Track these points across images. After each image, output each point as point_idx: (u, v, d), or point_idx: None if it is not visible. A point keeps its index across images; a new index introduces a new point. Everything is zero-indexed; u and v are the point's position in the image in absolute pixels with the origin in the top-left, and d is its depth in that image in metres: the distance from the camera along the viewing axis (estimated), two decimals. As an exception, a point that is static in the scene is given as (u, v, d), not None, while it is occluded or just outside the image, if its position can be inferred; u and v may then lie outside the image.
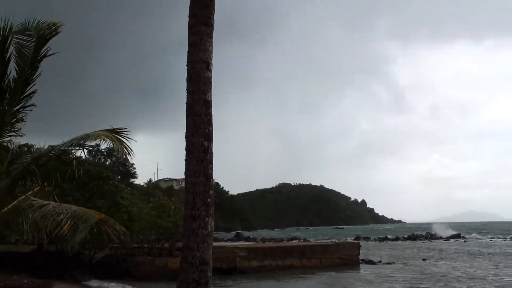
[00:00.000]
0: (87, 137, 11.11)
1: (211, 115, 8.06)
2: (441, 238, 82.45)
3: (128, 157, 11.33)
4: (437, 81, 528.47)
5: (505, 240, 75.34)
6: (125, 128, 11.10)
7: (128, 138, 10.98)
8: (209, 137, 7.98)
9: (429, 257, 44.39)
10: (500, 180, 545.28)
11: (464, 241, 75.81)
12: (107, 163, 75.69)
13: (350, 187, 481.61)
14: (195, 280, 7.63)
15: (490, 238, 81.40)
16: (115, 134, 10.95)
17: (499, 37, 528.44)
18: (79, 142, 11.21)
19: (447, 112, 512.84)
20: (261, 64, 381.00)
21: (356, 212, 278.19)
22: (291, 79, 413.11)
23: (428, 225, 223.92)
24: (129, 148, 10.98)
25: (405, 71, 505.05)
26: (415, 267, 36.10)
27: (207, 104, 8.04)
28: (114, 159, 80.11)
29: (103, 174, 32.43)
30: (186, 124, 8.01)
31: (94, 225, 10.97)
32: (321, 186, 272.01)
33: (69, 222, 10.56)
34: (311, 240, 72.85)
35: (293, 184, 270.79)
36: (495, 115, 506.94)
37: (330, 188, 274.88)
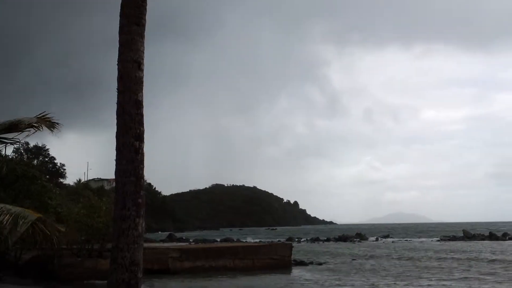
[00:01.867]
0: (9, 124, 10.63)
1: (142, 115, 7.98)
2: (371, 239, 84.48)
3: (54, 134, 10.87)
4: (371, 85, 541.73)
5: (431, 241, 77.94)
6: (53, 117, 10.75)
7: (57, 123, 10.63)
8: (140, 137, 7.90)
9: (359, 257, 45.39)
10: (428, 183, 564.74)
11: (393, 242, 78.02)
12: (34, 162, 73.38)
13: (283, 188, 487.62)
14: (125, 281, 7.54)
15: (418, 239, 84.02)
16: (43, 120, 10.57)
17: (428, 43, 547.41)
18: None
19: (379, 116, 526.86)
20: (196, 64, 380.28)
21: (289, 213, 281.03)
22: (225, 80, 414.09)
23: (359, 226, 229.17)
24: (58, 125, 10.59)
25: (339, 75, 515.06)
26: (345, 266, 36.82)
27: (138, 104, 7.96)
28: (41, 158, 77.80)
29: (30, 173, 31.34)
30: (117, 124, 7.90)
31: (30, 226, 10.56)
32: (254, 188, 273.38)
33: (10, 219, 10.07)
34: (244, 241, 73.12)
35: (226, 185, 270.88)
36: (424, 120, 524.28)
37: (263, 189, 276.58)
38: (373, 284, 26.54)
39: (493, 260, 40.03)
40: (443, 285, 26.10)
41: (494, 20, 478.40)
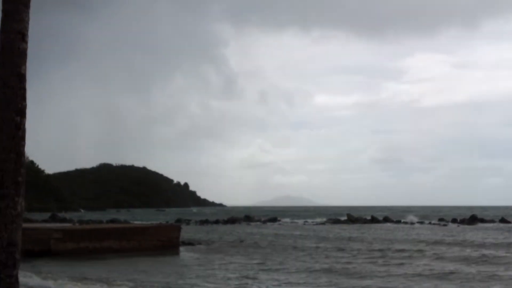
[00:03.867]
0: None
1: (25, 89, 7.61)
2: (259, 221, 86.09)
3: None
4: (267, 68, 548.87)
5: (316, 224, 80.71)
6: None
7: None
8: (22, 112, 7.53)
9: (246, 239, 46.18)
10: (315, 167, 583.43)
11: (279, 224, 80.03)
12: None
13: (174, 169, 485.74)
14: (2, 262, 7.19)
15: (303, 222, 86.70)
16: None
17: (325, 28, 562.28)
18: None
19: (274, 99, 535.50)
20: (87, 36, 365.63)
21: (179, 195, 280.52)
22: (120, 55, 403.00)
23: (247, 208, 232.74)
24: None
25: (237, 56, 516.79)
26: (232, 247, 37.33)
27: (21, 77, 7.57)
28: None
29: None
30: (-3, 98, 7.48)
31: None
32: (144, 168, 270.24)
33: None
34: (131, 222, 72.15)
35: (114, 165, 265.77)
36: (316, 105, 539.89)
37: (153, 170, 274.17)
38: (260, 263, 27.11)
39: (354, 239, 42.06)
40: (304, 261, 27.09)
41: (388, 9, 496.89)
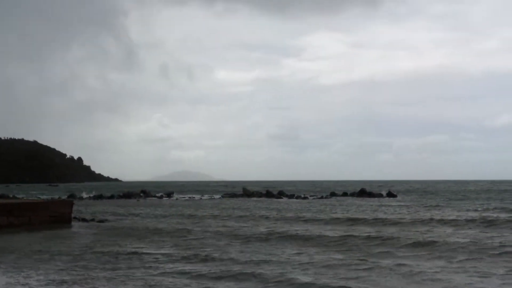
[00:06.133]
0: None
1: None
2: (155, 196, 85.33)
3: None
4: (169, 40, 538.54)
5: (213, 198, 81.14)
6: None
7: None
8: None
9: (139, 214, 45.54)
10: (213, 143, 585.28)
11: (176, 199, 79.73)
12: None
13: (67, 143, 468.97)
14: None
15: (200, 196, 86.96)
16: None
17: (229, 2, 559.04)
18: None
19: (174, 73, 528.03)
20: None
21: (72, 170, 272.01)
22: (13, 21, 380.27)
23: (144, 183, 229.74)
24: None
25: (137, 27, 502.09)
26: (125, 223, 36.68)
27: None
28: None
29: None
30: None
31: None
32: (35, 142, 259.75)
33: None
34: (21, 197, 69.12)
35: (3, 138, 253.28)
36: (216, 80, 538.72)
37: (45, 144, 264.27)
38: (150, 240, 26.82)
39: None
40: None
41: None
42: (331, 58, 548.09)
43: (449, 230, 29.93)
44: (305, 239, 26.14)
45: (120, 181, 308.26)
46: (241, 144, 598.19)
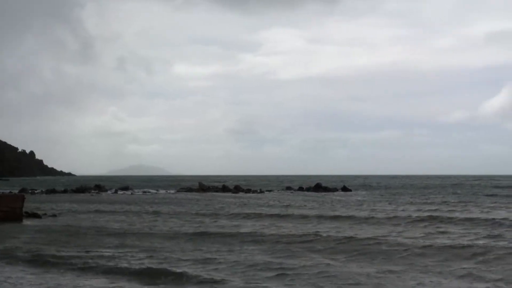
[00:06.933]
0: None
1: None
2: (110, 190, 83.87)
3: None
4: (127, 33, 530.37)
5: (168, 193, 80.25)
6: None
7: None
8: None
9: (95, 210, 44.47)
10: (170, 137, 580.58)
11: (132, 193, 78.43)
12: None
13: (19, 137, 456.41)
14: None
15: (156, 191, 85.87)
16: None
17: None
18: None
19: (132, 67, 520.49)
20: None
21: (24, 164, 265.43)
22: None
23: (98, 177, 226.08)
24: None
25: (93, 19, 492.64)
26: (79, 218, 35.75)
27: None
28: None
29: None
30: None
31: None
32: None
33: None
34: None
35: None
36: (174, 74, 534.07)
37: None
38: (109, 236, 26.12)
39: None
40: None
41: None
42: (289, 53, 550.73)
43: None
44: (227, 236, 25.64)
45: (74, 175, 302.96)
46: (199, 138, 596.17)
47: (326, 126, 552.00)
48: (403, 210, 41.21)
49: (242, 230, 27.48)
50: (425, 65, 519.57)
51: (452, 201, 53.77)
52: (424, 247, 20.71)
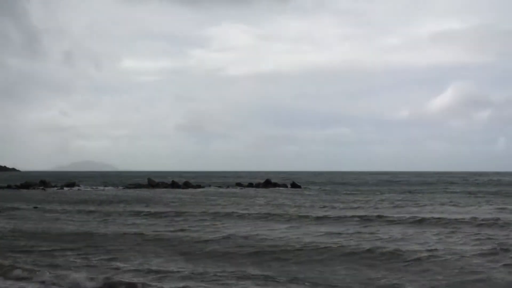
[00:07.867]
0: None
1: None
2: (55, 186, 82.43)
3: None
4: (74, 27, 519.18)
5: (117, 189, 79.50)
6: None
7: None
8: None
9: (43, 204, 43.91)
10: (118, 132, 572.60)
11: (78, 189, 77.30)
12: None
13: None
14: None
15: (103, 187, 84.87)
16: None
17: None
18: None
19: (79, 61, 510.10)
20: None
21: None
22: None
23: (44, 173, 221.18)
24: None
25: (40, 12, 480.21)
26: (28, 214, 35.23)
27: None
28: None
29: None
30: None
31: None
32: None
33: None
34: None
35: None
36: (122, 69, 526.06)
37: None
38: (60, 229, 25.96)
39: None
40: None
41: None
42: (238, 49, 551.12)
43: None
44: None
45: (18, 171, 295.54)
46: (147, 134, 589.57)
47: (275, 122, 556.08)
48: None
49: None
50: (372, 63, 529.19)
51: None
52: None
